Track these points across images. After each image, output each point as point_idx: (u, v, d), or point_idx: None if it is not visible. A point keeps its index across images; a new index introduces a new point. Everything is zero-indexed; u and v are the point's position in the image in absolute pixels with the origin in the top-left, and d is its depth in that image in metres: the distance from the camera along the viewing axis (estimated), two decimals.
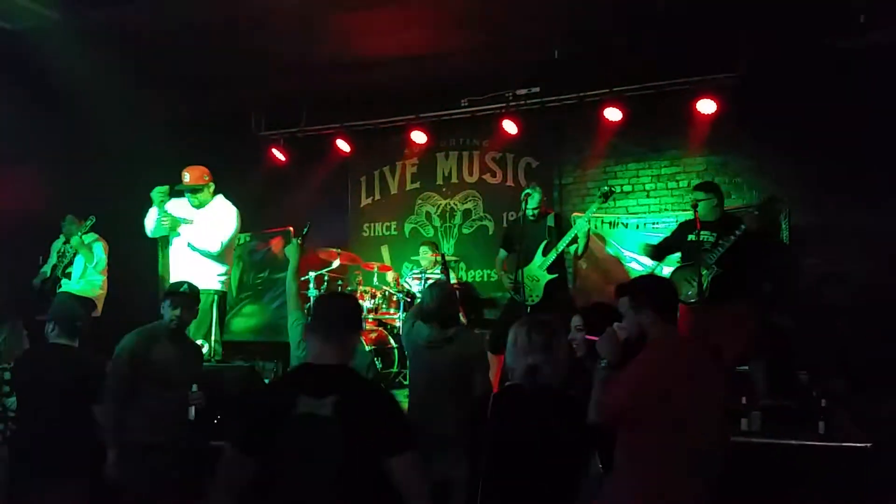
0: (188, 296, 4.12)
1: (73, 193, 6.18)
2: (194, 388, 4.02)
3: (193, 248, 5.43)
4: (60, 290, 6.18)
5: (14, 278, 6.43)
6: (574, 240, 5.48)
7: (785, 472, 3.76)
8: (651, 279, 3.50)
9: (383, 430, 2.35)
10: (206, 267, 5.45)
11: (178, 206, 5.53)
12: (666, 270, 5.44)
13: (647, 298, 2.90)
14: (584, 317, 3.34)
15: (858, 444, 3.74)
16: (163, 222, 5.38)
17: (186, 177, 5.53)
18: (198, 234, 5.46)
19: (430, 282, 5.70)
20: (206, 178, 5.60)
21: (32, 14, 5.57)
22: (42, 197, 6.37)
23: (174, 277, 5.32)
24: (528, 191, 5.62)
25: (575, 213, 7.02)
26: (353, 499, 2.29)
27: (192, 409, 3.99)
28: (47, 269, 6.35)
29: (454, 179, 7.96)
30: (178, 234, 5.51)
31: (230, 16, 5.77)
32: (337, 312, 2.57)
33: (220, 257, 5.52)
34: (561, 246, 5.50)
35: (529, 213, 5.59)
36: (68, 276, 6.26)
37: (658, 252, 5.51)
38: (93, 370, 4.00)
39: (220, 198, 5.69)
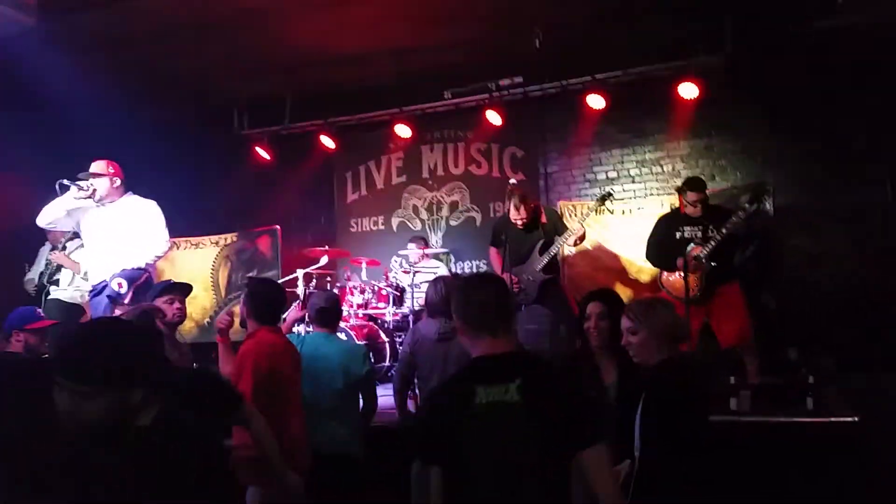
0: (184, 286, 4.20)
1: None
2: None
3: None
4: (49, 297, 6.16)
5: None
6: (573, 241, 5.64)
7: (774, 449, 3.80)
8: (263, 288, 3.80)
9: (575, 417, 2.14)
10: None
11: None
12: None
13: (248, 303, 3.61)
14: (606, 303, 3.19)
15: (846, 419, 3.79)
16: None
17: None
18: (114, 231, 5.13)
19: (434, 276, 5.73)
20: (112, 171, 5.22)
21: (8, 20, 5.51)
22: (26, 203, 6.31)
23: (99, 266, 5.13)
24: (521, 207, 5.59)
25: (562, 201, 7.09)
26: (548, 491, 2.10)
27: None
28: (35, 276, 6.32)
29: (440, 172, 7.97)
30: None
31: (211, 14, 5.74)
32: (497, 301, 2.31)
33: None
34: (555, 250, 5.56)
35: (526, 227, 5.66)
36: (56, 283, 6.22)
37: (658, 260, 5.50)
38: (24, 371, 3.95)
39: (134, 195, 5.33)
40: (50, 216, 5.14)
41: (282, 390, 3.49)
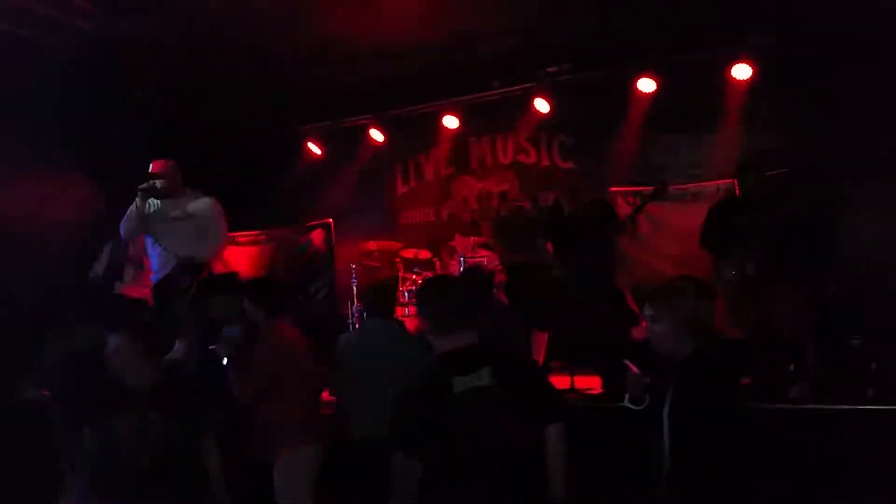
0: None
1: (121, 198, 6.34)
2: None
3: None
4: (115, 292, 6.40)
5: (70, 281, 6.62)
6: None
7: (833, 438, 3.70)
8: (269, 285, 4.23)
9: (540, 396, 2.42)
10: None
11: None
12: None
13: (260, 299, 3.89)
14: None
15: None
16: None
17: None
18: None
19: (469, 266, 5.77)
20: (170, 169, 5.36)
21: (62, 26, 5.70)
22: (94, 198, 6.54)
23: (161, 261, 5.34)
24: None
25: (615, 189, 6.97)
26: (523, 465, 2.32)
27: None
28: (99, 271, 6.56)
29: (488, 162, 7.96)
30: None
31: (259, 13, 5.83)
32: (457, 302, 2.52)
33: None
34: (606, 240, 5.50)
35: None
36: (120, 278, 6.45)
37: (713, 247, 5.36)
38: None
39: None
40: (131, 228, 5.38)
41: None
